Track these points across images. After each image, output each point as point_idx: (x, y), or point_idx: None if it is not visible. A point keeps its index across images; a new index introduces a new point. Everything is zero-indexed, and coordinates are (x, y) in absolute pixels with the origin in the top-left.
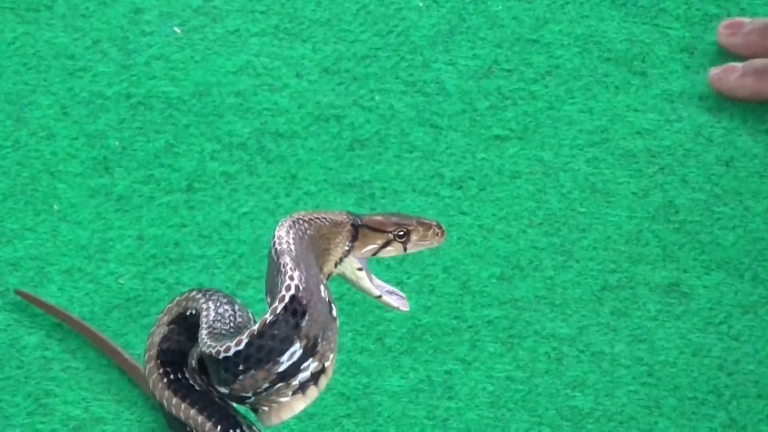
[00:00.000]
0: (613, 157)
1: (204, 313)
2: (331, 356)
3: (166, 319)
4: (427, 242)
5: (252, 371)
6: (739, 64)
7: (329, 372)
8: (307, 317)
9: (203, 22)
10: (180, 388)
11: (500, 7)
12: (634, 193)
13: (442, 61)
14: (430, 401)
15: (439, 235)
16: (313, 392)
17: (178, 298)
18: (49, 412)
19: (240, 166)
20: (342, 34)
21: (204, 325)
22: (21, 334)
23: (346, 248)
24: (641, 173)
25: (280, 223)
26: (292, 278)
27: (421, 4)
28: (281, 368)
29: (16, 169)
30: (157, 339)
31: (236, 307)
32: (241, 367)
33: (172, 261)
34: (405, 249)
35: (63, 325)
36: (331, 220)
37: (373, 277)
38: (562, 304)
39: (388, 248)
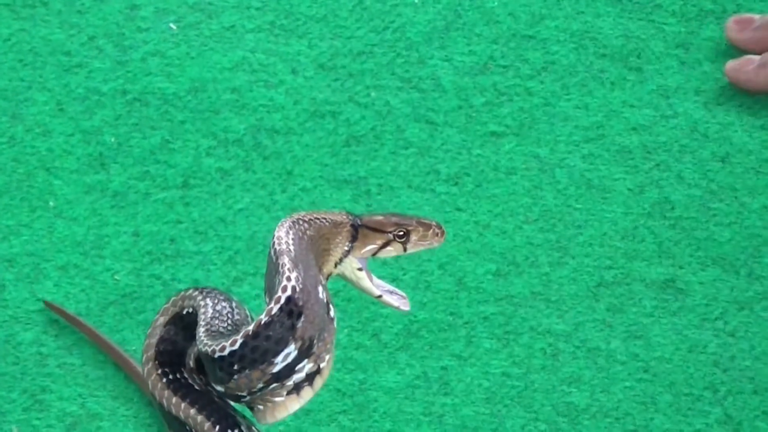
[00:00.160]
0: (609, 153)
1: (202, 310)
2: (327, 357)
3: (162, 319)
4: (427, 242)
5: (247, 371)
6: (756, 57)
7: (325, 373)
8: (302, 318)
9: (199, 19)
10: (179, 388)
11: (496, 3)
12: (629, 190)
13: (438, 57)
14: (426, 397)
15: (439, 235)
16: (307, 393)
17: (173, 298)
18: (45, 408)
19: (236, 162)
20: (338, 31)
21: (202, 323)
22: (17, 330)
23: (346, 248)
24: (637, 169)
25: (280, 223)
26: (289, 279)
27: (416, 1)
28: (276, 369)
29: (11, 166)
30: (154, 340)
31: (233, 305)
32: (235, 367)
33: (167, 257)
34: (405, 249)
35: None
36: (331, 220)
37: (374, 276)
38: (558, 300)
39: (388, 248)
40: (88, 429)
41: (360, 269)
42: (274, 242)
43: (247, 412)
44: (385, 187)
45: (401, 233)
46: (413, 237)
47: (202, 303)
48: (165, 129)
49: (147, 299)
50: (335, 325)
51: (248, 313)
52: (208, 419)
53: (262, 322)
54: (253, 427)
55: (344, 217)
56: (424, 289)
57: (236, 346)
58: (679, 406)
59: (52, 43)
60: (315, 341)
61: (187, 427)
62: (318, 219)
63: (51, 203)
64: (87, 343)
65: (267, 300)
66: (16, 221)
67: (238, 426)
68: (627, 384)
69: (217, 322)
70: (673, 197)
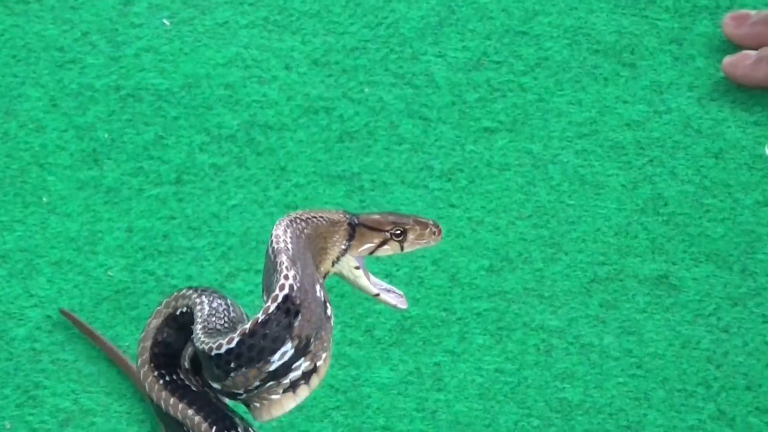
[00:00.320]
0: (602, 149)
1: (198, 308)
2: (324, 356)
3: (155, 322)
4: (424, 241)
5: (243, 369)
6: (752, 52)
7: (321, 371)
8: (300, 317)
9: (192, 14)
10: (176, 389)
11: None
12: (623, 185)
13: (432, 53)
14: (419, 393)
15: (436, 234)
16: (303, 391)
17: (166, 300)
18: (38, 404)
19: (229, 158)
20: (331, 26)
21: (198, 320)
22: (10, 326)
23: (343, 247)
24: (630, 165)
25: (277, 222)
26: (287, 277)
27: None
28: (272, 367)
29: (4, 162)
30: (148, 343)
31: (228, 302)
32: (232, 365)
33: (161, 253)
34: (402, 248)
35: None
36: (329, 219)
37: (371, 275)
38: (551, 296)
39: (385, 247)
40: (81, 425)
41: (357, 268)
42: (272, 240)
43: (242, 408)
44: (378, 183)
45: (398, 232)
46: (410, 236)
47: (197, 301)
48: (158, 125)
49: (140, 295)
50: (332, 324)
51: (243, 311)
52: (206, 420)
53: (259, 321)
54: (250, 429)
55: (341, 215)
56: (418, 285)
57: (233, 344)
58: (673, 402)
59: (46, 39)
60: (312, 340)
61: (185, 428)
62: (315, 218)
63: (44, 199)
64: (80, 339)
65: (265, 298)
66: (9, 217)
67: (236, 427)
68: (620, 380)
69: (213, 319)
70: (666, 193)
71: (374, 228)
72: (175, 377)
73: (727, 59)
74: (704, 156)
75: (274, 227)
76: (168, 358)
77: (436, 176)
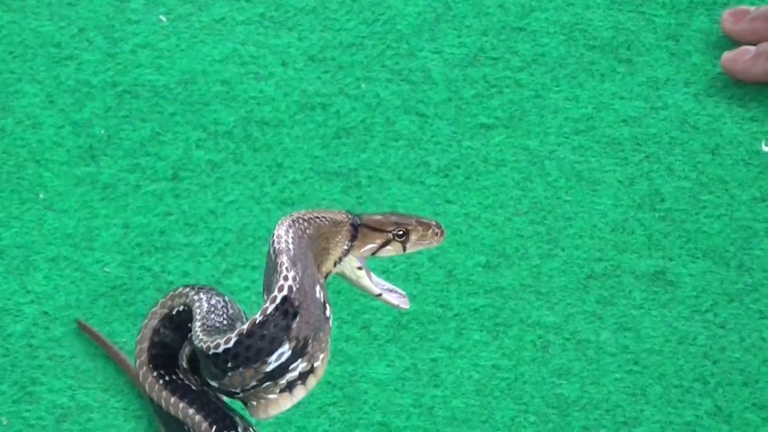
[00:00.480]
0: (599, 145)
1: (197, 305)
2: (322, 356)
3: (152, 323)
4: (426, 242)
5: (240, 369)
6: (751, 47)
7: (319, 372)
8: (298, 319)
9: (189, 11)
10: (177, 389)
11: None
12: (619, 182)
13: (428, 50)
14: (416, 389)
15: (438, 234)
16: (300, 392)
17: (162, 300)
18: (35, 400)
19: (226, 154)
20: (328, 23)
21: (198, 317)
22: (6, 322)
23: (346, 247)
24: (627, 161)
25: (279, 222)
26: (286, 278)
27: None
28: (269, 368)
29: (1, 158)
30: (146, 344)
31: (226, 299)
32: (229, 365)
33: (157, 249)
34: (404, 249)
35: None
36: (331, 219)
37: (373, 275)
38: (548, 292)
39: (388, 248)
40: (78, 421)
41: (360, 268)
42: (273, 241)
43: (237, 405)
44: (375, 180)
45: (401, 233)
46: (413, 236)
47: (195, 298)
48: (155, 121)
49: (137, 291)
50: (331, 325)
51: (241, 309)
52: (206, 419)
53: (257, 322)
54: (251, 428)
55: (344, 216)
56: (414, 281)
57: (230, 345)
58: (669, 398)
59: (42, 35)
60: (310, 341)
61: (186, 428)
62: (318, 218)
63: (41, 195)
64: (77, 335)
65: (265, 298)
66: (6, 213)
67: (235, 427)
68: (617, 376)
69: (213, 317)
70: (662, 189)
71: (377, 228)
72: (174, 377)
73: (726, 55)
74: (701, 152)
75: (276, 227)
76: (166, 359)
77: (433, 172)
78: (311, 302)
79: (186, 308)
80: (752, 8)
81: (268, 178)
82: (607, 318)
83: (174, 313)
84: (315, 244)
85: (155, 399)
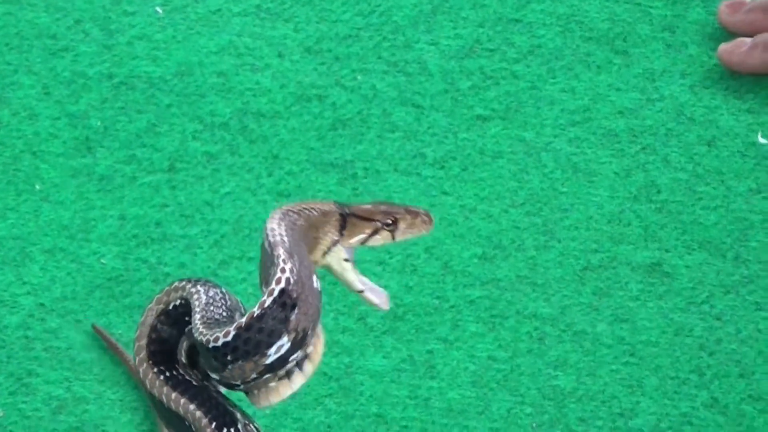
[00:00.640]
0: (595, 136)
1: (195, 297)
2: (319, 344)
3: (149, 320)
4: (415, 230)
5: (240, 362)
6: (747, 39)
7: (316, 360)
8: (296, 310)
9: (185, 2)
10: (178, 384)
11: None
12: (616, 173)
13: (425, 41)
14: (412, 381)
15: (427, 222)
16: (299, 379)
17: (158, 296)
18: (31, 392)
19: (222, 146)
20: (324, 14)
21: (197, 309)
22: (3, 313)
23: (335, 238)
24: (623, 153)
25: (270, 216)
26: (284, 270)
27: None
28: (268, 360)
29: None
30: (144, 341)
31: (224, 290)
32: (229, 358)
33: (154, 241)
34: (393, 237)
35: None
36: (320, 209)
37: (358, 272)
38: (544, 284)
39: (377, 237)
40: (74, 412)
41: (347, 260)
42: (267, 234)
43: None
44: (371, 171)
45: (390, 221)
46: (402, 225)
47: (193, 290)
48: (151, 113)
49: (133, 283)
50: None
51: (238, 300)
52: (206, 415)
53: (255, 315)
54: (251, 425)
55: (332, 206)
56: (410, 272)
57: (229, 338)
58: (666, 390)
59: (39, 27)
60: (309, 332)
61: (186, 423)
62: (307, 209)
63: (37, 187)
64: (73, 327)
65: (263, 291)
66: (2, 205)
67: (235, 423)
68: (613, 367)
69: (212, 308)
70: (659, 181)
71: (365, 218)
72: (174, 372)
73: (723, 46)
74: (697, 144)
75: (268, 221)
76: (165, 354)
77: (429, 164)
78: (309, 293)
79: (183, 302)
80: (748, 0)
81: (264, 170)
82: (603, 309)
83: (170, 308)
84: (306, 235)
85: (156, 395)
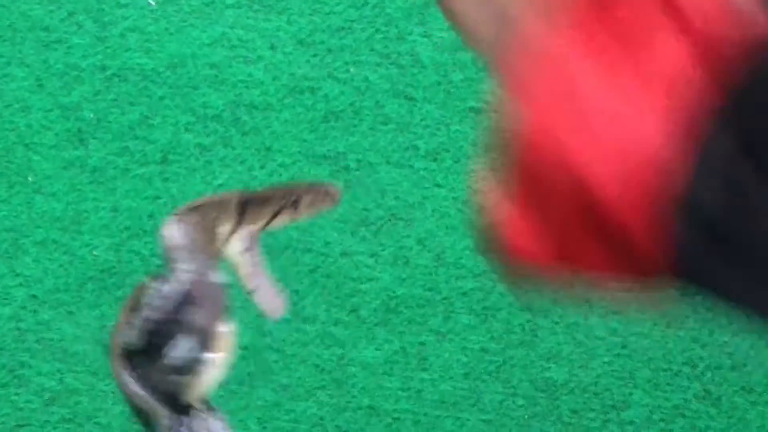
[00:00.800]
0: None
1: (146, 296)
2: (226, 338)
3: (123, 317)
4: (319, 205)
5: (148, 365)
6: None
7: (225, 352)
8: (193, 309)
9: None
10: (140, 379)
11: None
12: None
13: (417, 33)
14: (405, 372)
15: (331, 195)
16: (211, 372)
17: (131, 293)
18: (24, 384)
19: (215, 138)
20: (317, 6)
21: (144, 309)
22: None
23: (233, 225)
24: None
25: (166, 221)
26: (175, 270)
27: None
28: (172, 362)
29: None
30: (118, 339)
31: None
32: (139, 361)
33: (146, 233)
34: (297, 216)
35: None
36: (217, 200)
37: (264, 271)
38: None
39: (280, 217)
40: (66, 404)
41: (245, 251)
42: (162, 238)
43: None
44: (363, 163)
45: (293, 200)
46: (304, 201)
47: (148, 288)
48: (144, 105)
49: (125, 274)
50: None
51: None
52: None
53: (151, 318)
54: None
55: (233, 194)
56: (403, 264)
57: (134, 340)
58: (658, 382)
59: (32, 19)
60: (211, 328)
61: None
62: (205, 203)
63: (30, 179)
64: (65, 319)
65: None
66: None
67: (187, 413)
68: (605, 359)
69: (158, 304)
70: None
71: (265, 200)
72: (142, 369)
73: None
74: None
75: (163, 227)
76: (135, 352)
77: (422, 156)
78: (208, 289)
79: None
80: None
81: (257, 162)
82: (595, 301)
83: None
84: (206, 229)
85: (122, 389)
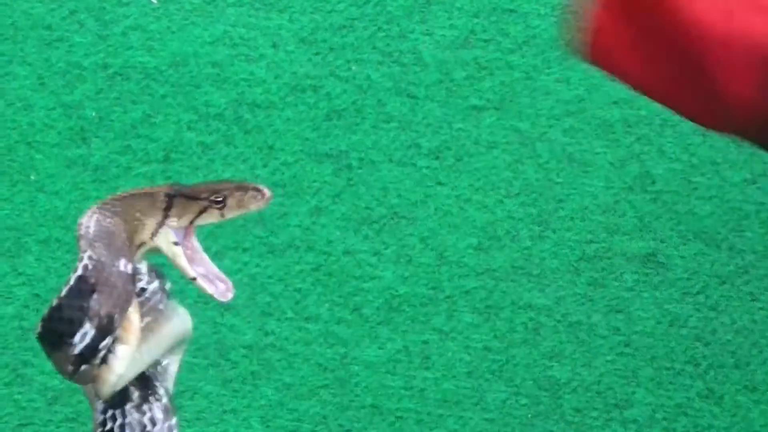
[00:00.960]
0: (590, 127)
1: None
2: (131, 327)
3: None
4: (246, 207)
5: (55, 354)
6: None
7: (129, 341)
8: (96, 296)
9: None
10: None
11: None
12: (611, 164)
13: (419, 31)
14: (408, 371)
15: (259, 198)
16: (116, 363)
17: None
18: (27, 383)
19: (217, 136)
20: (319, 4)
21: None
22: None
23: (160, 218)
24: (618, 143)
25: (86, 211)
26: (81, 259)
27: None
28: (77, 350)
29: None
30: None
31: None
32: (46, 350)
33: None
34: (223, 215)
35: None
36: (144, 193)
37: (204, 257)
38: (539, 274)
39: (205, 215)
40: (69, 403)
41: (176, 244)
42: (77, 229)
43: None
44: (366, 161)
45: (218, 199)
46: (230, 202)
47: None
48: (146, 103)
49: None
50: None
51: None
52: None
53: (53, 305)
54: (157, 399)
55: (161, 188)
56: (406, 263)
57: (39, 329)
58: (661, 380)
59: (33, 17)
60: (115, 316)
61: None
62: (131, 195)
63: (32, 177)
64: None
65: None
66: None
67: (130, 399)
68: (608, 358)
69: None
70: (654, 171)
71: (192, 197)
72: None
73: None
74: (692, 134)
75: (82, 216)
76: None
77: (424, 154)
78: (113, 277)
79: None
80: None
81: (259, 160)
82: (598, 300)
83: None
84: (125, 220)
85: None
